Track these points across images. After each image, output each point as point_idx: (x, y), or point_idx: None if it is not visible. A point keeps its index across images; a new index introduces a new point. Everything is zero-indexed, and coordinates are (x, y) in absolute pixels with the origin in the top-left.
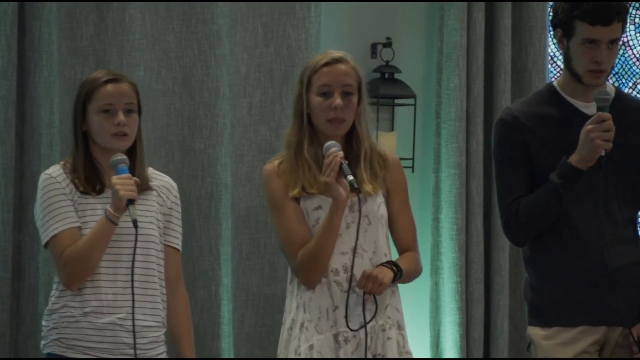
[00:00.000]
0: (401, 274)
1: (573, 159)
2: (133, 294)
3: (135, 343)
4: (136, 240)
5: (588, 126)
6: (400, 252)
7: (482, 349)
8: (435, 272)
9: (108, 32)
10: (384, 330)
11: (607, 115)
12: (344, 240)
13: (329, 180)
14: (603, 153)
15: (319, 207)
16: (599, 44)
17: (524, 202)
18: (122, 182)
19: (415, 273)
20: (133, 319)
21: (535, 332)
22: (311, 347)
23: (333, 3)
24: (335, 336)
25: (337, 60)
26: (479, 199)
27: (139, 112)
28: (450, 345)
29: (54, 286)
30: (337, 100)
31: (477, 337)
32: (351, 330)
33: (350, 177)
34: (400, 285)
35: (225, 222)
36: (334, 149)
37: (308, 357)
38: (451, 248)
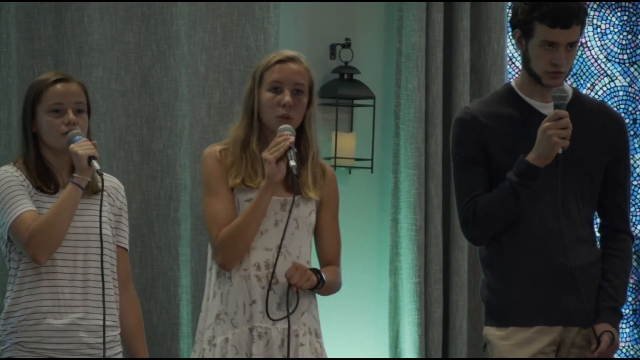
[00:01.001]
0: (324, 283)
1: (530, 156)
2: (104, 294)
3: (104, 342)
4: (101, 240)
5: (545, 124)
6: (323, 265)
7: (440, 349)
8: (394, 272)
9: (67, 32)
10: (297, 335)
11: (565, 113)
12: (270, 237)
13: (270, 158)
14: (560, 151)
15: (250, 200)
16: (557, 46)
17: (482, 200)
18: (79, 144)
19: (335, 287)
20: (104, 319)
21: (491, 333)
22: (226, 340)
23: (292, 4)
24: (250, 330)
25: (291, 59)
26: (437, 200)
27: (89, 113)
28: (409, 346)
29: (9, 287)
30: (287, 97)
31: (436, 338)
32: (272, 319)
33: (293, 163)
34: (359, 285)
35: (184, 222)
36: (288, 132)
37: (223, 350)
38: (410, 249)
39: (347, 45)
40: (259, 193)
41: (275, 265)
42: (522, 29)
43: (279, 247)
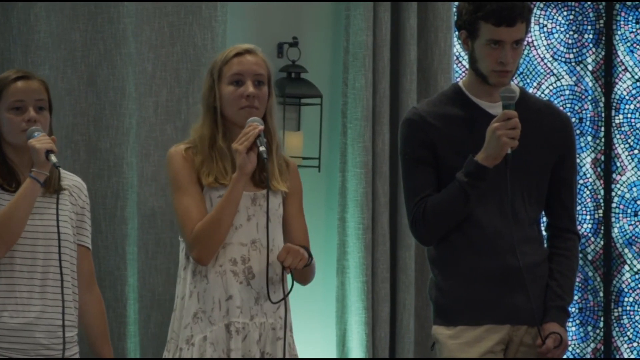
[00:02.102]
0: (312, 258)
1: (479, 156)
2: (62, 293)
3: (64, 342)
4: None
5: (494, 124)
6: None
7: (388, 348)
8: (342, 271)
9: (12, 30)
10: (274, 329)
11: (513, 113)
12: (244, 232)
13: (240, 148)
14: (509, 151)
15: (222, 196)
16: (503, 44)
17: (431, 201)
18: (37, 139)
19: (314, 273)
20: (64, 319)
21: (440, 332)
22: (205, 338)
23: (239, 3)
24: (227, 326)
25: (248, 51)
26: (385, 199)
27: (50, 110)
28: (356, 345)
29: None
30: (250, 88)
31: (383, 336)
32: (272, 302)
33: (262, 148)
34: (307, 285)
35: (131, 221)
36: (256, 123)
37: (202, 349)
38: (357, 247)
39: (294, 44)
40: (231, 184)
41: (268, 260)
42: (468, 29)
43: (267, 241)
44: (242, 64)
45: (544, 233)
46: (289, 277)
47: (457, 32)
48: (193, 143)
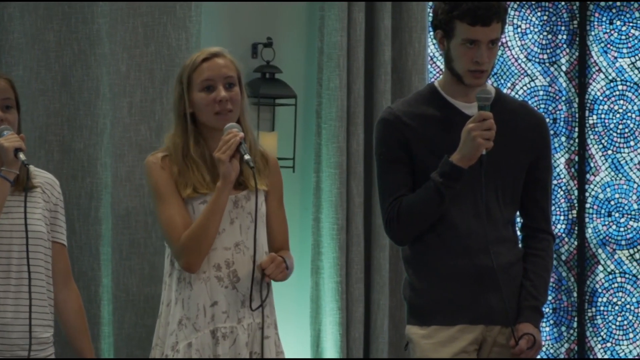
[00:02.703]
0: (288, 270)
1: (454, 157)
2: (30, 292)
3: (30, 340)
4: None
5: (469, 125)
6: (275, 251)
7: (362, 348)
8: (316, 271)
9: None
10: (260, 328)
11: (489, 114)
12: (227, 235)
13: (223, 158)
14: (484, 152)
15: (204, 202)
16: (479, 44)
17: (406, 201)
18: (5, 138)
19: (292, 271)
20: (30, 317)
21: (413, 331)
22: (189, 345)
23: (213, 3)
24: (213, 332)
25: (215, 55)
26: (359, 199)
27: (18, 109)
28: (331, 345)
29: None
30: (222, 93)
31: (357, 337)
32: (252, 309)
33: (247, 157)
34: (280, 285)
35: (105, 222)
36: (235, 129)
37: (187, 355)
38: (332, 248)
39: (268, 44)
40: (216, 193)
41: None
42: (443, 29)
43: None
44: (211, 69)
45: (518, 233)
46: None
47: (432, 32)
48: (168, 151)
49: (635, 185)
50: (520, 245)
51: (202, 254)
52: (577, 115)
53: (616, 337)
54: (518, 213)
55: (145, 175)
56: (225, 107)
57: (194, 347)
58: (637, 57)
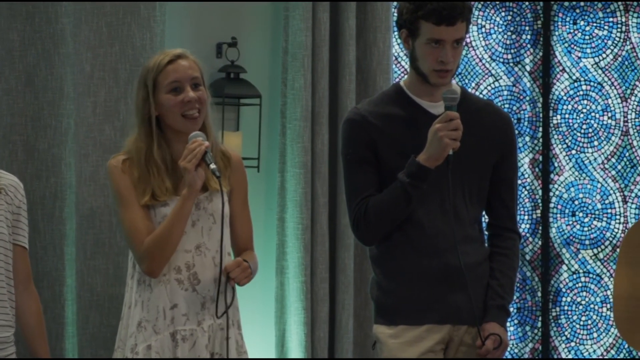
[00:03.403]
0: (250, 271)
1: (421, 157)
2: None
3: None
4: None
5: (436, 125)
6: (239, 250)
7: (327, 348)
8: (281, 271)
9: None
10: (222, 329)
11: (455, 114)
12: (188, 238)
13: (188, 166)
14: (451, 152)
15: (166, 204)
16: (444, 43)
17: (373, 201)
18: None
19: (256, 272)
20: None
21: (381, 331)
22: (149, 347)
23: (178, 3)
24: (173, 335)
25: (179, 56)
26: (324, 199)
27: None
28: (296, 345)
29: None
30: (190, 94)
31: (322, 336)
32: (217, 317)
33: (213, 166)
34: (246, 285)
35: (70, 222)
36: (200, 138)
37: (146, 356)
38: (296, 247)
39: (233, 44)
40: (181, 201)
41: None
42: (408, 28)
43: (221, 245)
44: (177, 71)
45: (485, 232)
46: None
47: (397, 32)
48: (130, 154)
49: (599, 185)
50: (486, 245)
51: (165, 260)
52: (541, 115)
53: (580, 336)
54: (484, 212)
55: (108, 179)
56: (193, 107)
57: (154, 350)
58: (600, 57)
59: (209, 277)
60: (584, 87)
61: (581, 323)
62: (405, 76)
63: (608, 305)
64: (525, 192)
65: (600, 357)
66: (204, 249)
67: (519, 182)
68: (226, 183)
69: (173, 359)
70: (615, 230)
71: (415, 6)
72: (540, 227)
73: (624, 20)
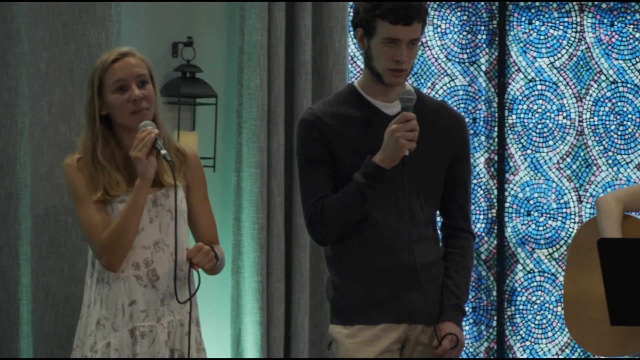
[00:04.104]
0: (218, 259)
1: (377, 158)
2: None
3: None
4: None
5: (392, 126)
6: None
7: (282, 347)
8: (237, 271)
9: None
10: (182, 325)
11: (412, 115)
12: (147, 234)
13: (139, 156)
14: (407, 153)
15: (123, 201)
16: (399, 43)
17: (328, 201)
18: None
19: (224, 264)
20: None
21: (337, 331)
22: (108, 345)
23: (133, 2)
24: (132, 331)
25: (125, 55)
26: (280, 198)
27: None
28: (251, 345)
29: None
30: (136, 92)
31: (278, 336)
32: (179, 302)
33: (164, 151)
34: (202, 285)
35: (25, 221)
36: (149, 127)
37: (105, 355)
38: (252, 247)
39: (189, 43)
40: (135, 191)
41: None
42: (364, 27)
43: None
44: (122, 69)
45: (439, 232)
46: (195, 275)
47: (352, 31)
48: (80, 153)
49: (554, 185)
50: (440, 244)
51: (123, 252)
52: (496, 114)
53: (535, 335)
54: (438, 212)
55: (63, 178)
56: (140, 106)
57: (113, 347)
58: (555, 57)
59: (167, 273)
60: (539, 87)
61: (536, 322)
62: (360, 76)
63: (563, 305)
64: (481, 192)
65: (555, 356)
66: (163, 245)
67: (475, 181)
68: (181, 178)
69: (133, 358)
70: (570, 229)
71: (372, 5)
72: (496, 227)
73: (579, 20)
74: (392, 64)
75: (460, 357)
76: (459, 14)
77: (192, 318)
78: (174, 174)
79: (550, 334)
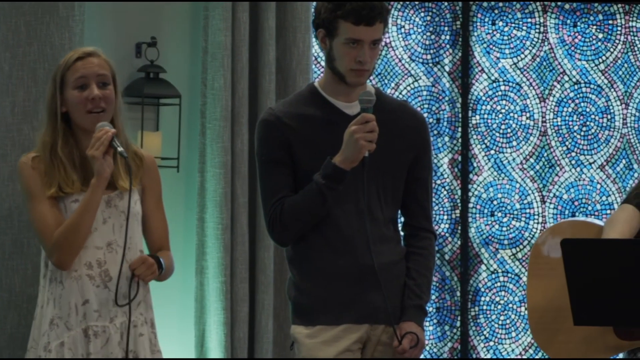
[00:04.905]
0: (162, 271)
1: (337, 159)
2: None
3: None
4: None
5: (352, 127)
6: (154, 251)
7: (246, 348)
8: (201, 271)
9: None
10: (135, 326)
11: (371, 116)
12: (100, 235)
13: (96, 154)
14: (367, 154)
15: (76, 201)
16: (362, 43)
17: (289, 202)
18: None
19: (170, 272)
20: None
21: (298, 331)
22: (62, 344)
23: (97, 2)
24: (85, 331)
25: (89, 54)
26: (244, 199)
27: None
28: (215, 345)
29: None
30: (95, 91)
31: (242, 337)
32: (119, 305)
33: (120, 149)
34: (165, 285)
35: None
36: (107, 127)
37: (59, 354)
38: (216, 247)
39: (152, 44)
40: (90, 190)
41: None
42: (326, 28)
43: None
44: (84, 68)
45: (401, 232)
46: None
47: (314, 32)
48: (39, 151)
49: (518, 185)
50: (402, 244)
51: (75, 251)
52: (460, 115)
53: (499, 336)
54: (400, 212)
55: (18, 176)
56: (98, 105)
57: (66, 346)
58: (519, 58)
59: (121, 274)
60: (502, 88)
61: (500, 322)
62: (320, 76)
63: (526, 305)
64: (445, 192)
65: (519, 356)
66: (116, 246)
67: (438, 182)
68: (137, 182)
69: (86, 358)
70: (534, 230)
71: (334, 6)
72: (459, 227)
73: (542, 21)
74: (355, 64)
75: (424, 358)
76: (422, 14)
77: (145, 320)
78: (130, 172)
79: (513, 334)
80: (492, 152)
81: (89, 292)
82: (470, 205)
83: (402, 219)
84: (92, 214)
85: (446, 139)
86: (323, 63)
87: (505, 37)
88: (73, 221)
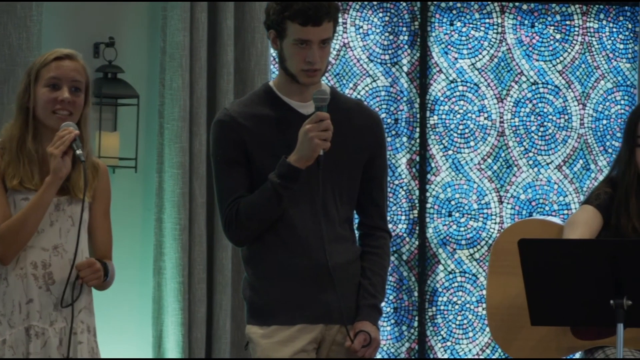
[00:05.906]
0: (107, 277)
1: (292, 158)
2: None
3: None
4: None
5: (306, 126)
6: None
7: (204, 348)
8: (158, 272)
9: None
10: (75, 334)
11: (326, 115)
12: (47, 236)
13: (56, 152)
14: (321, 152)
15: (26, 199)
16: (310, 44)
17: (244, 202)
18: None
19: (112, 281)
20: None
21: (253, 331)
22: (4, 341)
23: (55, 2)
24: (27, 330)
25: (68, 57)
26: (202, 199)
27: None
28: (173, 346)
29: None
30: (65, 94)
31: (200, 337)
32: (62, 307)
33: (79, 152)
34: (122, 285)
35: None
36: (71, 128)
37: (1, 352)
38: (174, 248)
39: (110, 44)
40: (44, 187)
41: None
42: (276, 29)
43: (76, 248)
44: (60, 69)
45: (356, 231)
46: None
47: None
48: (2, 144)
49: (475, 185)
50: (357, 244)
51: (18, 246)
52: (418, 115)
53: (456, 336)
54: (355, 212)
55: None
56: (65, 108)
57: (8, 344)
58: (477, 58)
59: (64, 278)
60: (460, 88)
61: (457, 322)
62: (274, 76)
63: (484, 305)
64: (402, 192)
65: (476, 356)
66: (62, 250)
67: (396, 182)
68: (89, 194)
69: (26, 358)
70: (491, 230)
71: (281, 7)
72: (417, 227)
73: (500, 21)
74: (305, 64)
75: (381, 358)
76: (380, 14)
77: (86, 326)
78: (85, 180)
79: (471, 334)
80: (450, 152)
81: (32, 292)
82: (428, 205)
83: (358, 218)
84: (42, 212)
85: (404, 139)
86: None
87: (463, 38)
88: (20, 216)
